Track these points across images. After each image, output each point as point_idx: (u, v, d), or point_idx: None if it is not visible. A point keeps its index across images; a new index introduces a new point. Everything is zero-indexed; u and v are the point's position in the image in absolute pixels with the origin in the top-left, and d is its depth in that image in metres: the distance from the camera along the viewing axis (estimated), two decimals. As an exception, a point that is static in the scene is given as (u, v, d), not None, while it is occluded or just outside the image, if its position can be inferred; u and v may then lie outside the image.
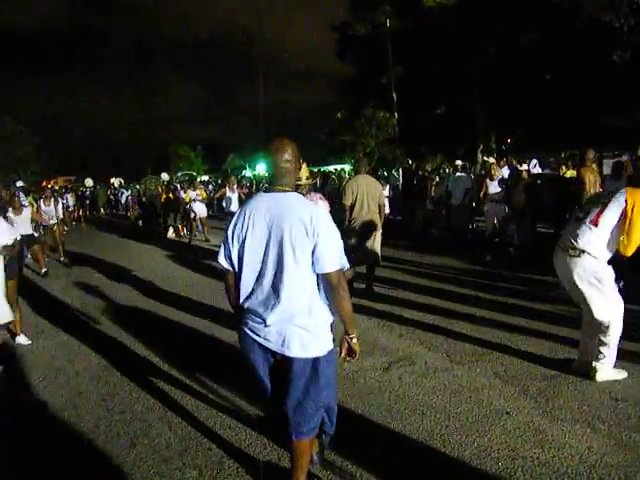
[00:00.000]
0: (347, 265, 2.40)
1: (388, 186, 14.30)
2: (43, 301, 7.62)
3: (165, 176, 20.28)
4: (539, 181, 10.46)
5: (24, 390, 4.45)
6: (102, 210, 27.47)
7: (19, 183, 15.46)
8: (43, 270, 9.41)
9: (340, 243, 2.38)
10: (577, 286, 3.75)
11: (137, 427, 3.66)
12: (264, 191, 2.50)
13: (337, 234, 2.38)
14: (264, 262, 2.39)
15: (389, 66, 27.35)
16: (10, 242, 5.17)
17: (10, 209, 8.62)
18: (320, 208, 2.41)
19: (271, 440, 3.30)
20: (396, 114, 27.60)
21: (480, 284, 7.33)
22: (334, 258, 2.32)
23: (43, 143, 46.98)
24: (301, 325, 2.38)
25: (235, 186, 12.51)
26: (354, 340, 2.48)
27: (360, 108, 28.16)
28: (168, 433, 3.54)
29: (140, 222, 17.91)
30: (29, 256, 9.66)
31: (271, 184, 2.49)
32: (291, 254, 2.30)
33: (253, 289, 2.45)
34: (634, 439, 3.14)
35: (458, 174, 11.48)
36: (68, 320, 6.57)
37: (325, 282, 2.37)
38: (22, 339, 5.67)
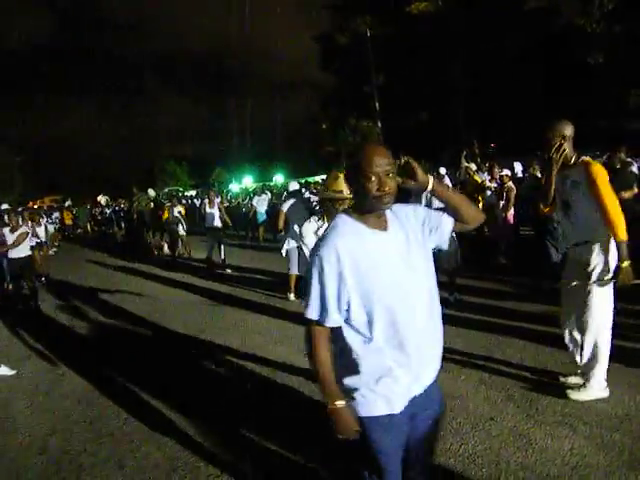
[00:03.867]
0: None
1: None
2: (28, 326, 7.56)
3: (152, 192, 20.22)
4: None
5: (10, 416, 4.43)
6: (88, 227, 27.29)
7: (4, 206, 15.33)
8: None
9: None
10: None
11: (125, 449, 3.67)
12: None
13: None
14: None
15: (371, 75, 27.68)
16: None
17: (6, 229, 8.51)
18: None
19: None
20: (379, 122, 27.85)
21: (467, 289, 7.37)
22: None
23: (25, 163, 46.73)
24: None
25: (216, 200, 11.62)
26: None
27: (344, 118, 28.36)
28: (156, 453, 3.55)
29: (123, 240, 17.90)
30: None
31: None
32: None
33: None
34: (614, 438, 3.20)
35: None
36: (54, 344, 6.52)
37: None
38: (4, 370, 5.52)
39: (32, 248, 11.11)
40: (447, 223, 2.00)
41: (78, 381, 5.13)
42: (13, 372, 5.54)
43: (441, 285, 2.10)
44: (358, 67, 28.15)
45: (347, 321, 1.87)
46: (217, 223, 10.94)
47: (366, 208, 1.86)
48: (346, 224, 1.87)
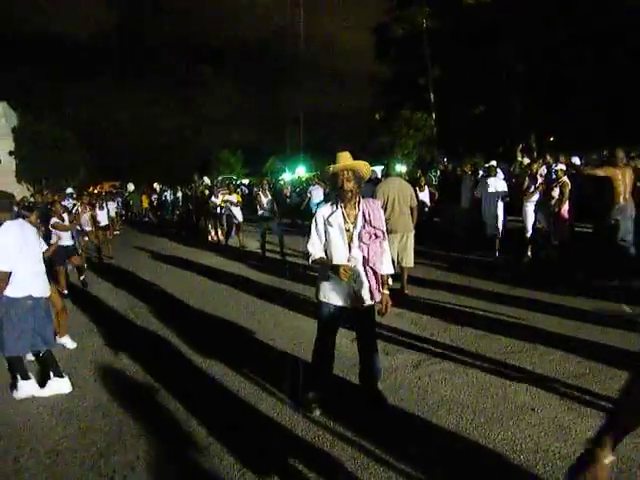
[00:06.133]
0: None
1: (427, 188, 13.98)
2: (91, 302, 8.05)
3: (207, 180, 20.79)
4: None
5: (76, 382, 4.79)
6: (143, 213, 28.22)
7: (69, 190, 16.13)
8: (65, 291, 8.25)
9: None
10: None
11: (183, 413, 3.94)
12: None
13: None
14: None
15: (427, 66, 27.35)
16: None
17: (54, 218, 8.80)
18: None
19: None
20: (434, 114, 27.51)
21: (514, 283, 7.33)
22: None
23: (89, 148, 48.69)
24: None
25: (267, 189, 11.63)
26: None
27: (398, 109, 28.13)
28: (218, 420, 3.80)
29: (179, 225, 18.48)
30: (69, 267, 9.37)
31: None
32: None
33: None
34: (658, 436, 3.19)
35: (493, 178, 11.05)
36: (115, 320, 6.95)
37: None
38: (66, 340, 5.88)
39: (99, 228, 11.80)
40: None
41: (135, 357, 5.43)
42: (75, 344, 5.93)
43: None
44: (414, 58, 27.89)
45: None
46: (271, 211, 11.13)
47: None
48: None
